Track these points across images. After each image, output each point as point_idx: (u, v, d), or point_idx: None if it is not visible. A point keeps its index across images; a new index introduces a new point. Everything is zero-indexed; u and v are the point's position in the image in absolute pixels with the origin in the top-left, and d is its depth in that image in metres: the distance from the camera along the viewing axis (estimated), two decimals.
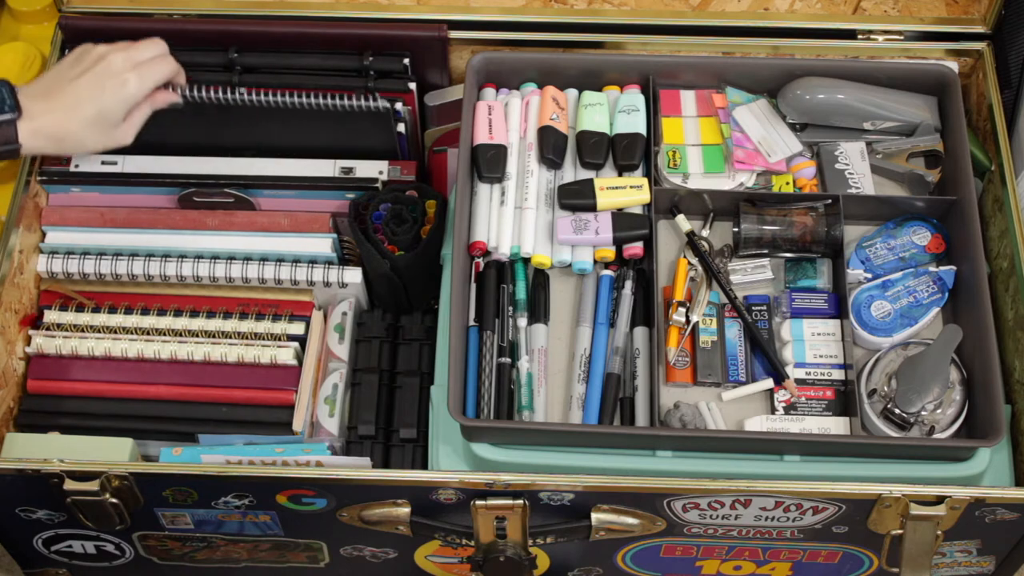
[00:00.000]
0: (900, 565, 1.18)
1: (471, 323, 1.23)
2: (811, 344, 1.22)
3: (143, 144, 1.31)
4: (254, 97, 1.29)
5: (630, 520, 1.18)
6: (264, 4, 1.39)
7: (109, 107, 1.19)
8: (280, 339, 1.28)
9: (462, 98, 1.30)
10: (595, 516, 1.18)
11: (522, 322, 1.23)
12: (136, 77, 1.20)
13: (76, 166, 1.32)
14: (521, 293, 1.25)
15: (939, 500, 1.13)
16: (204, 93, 1.28)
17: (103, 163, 1.32)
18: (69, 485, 1.15)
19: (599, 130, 1.29)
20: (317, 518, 1.21)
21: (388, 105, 1.29)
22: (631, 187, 1.26)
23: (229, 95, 1.28)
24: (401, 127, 1.32)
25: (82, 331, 1.29)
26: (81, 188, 1.33)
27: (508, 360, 1.21)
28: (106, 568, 1.33)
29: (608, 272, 1.26)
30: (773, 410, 1.20)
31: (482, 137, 1.28)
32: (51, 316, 1.29)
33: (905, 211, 1.28)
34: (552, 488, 1.14)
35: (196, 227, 1.31)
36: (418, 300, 1.33)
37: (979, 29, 1.37)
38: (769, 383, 1.21)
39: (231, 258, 1.30)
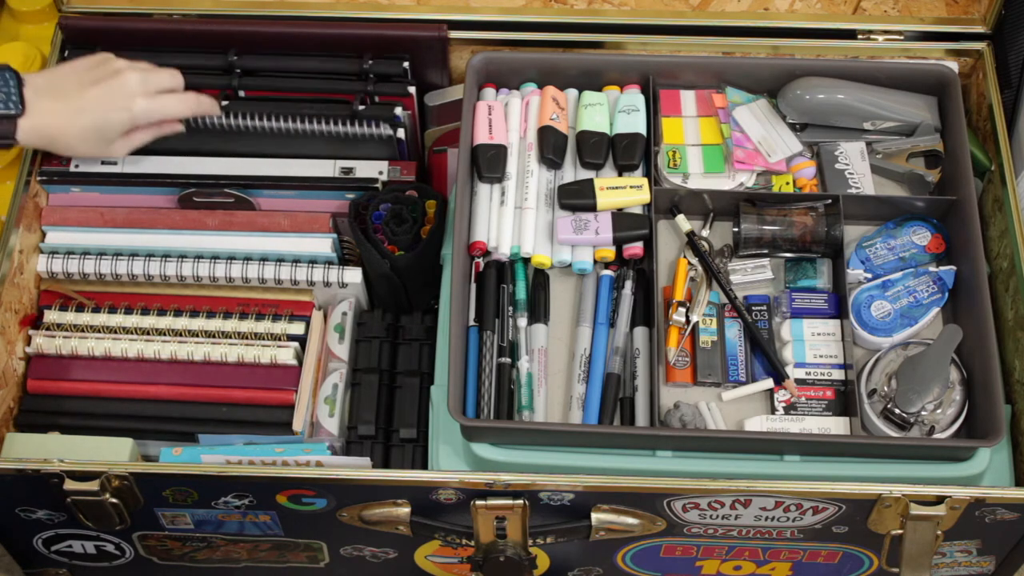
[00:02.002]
0: (900, 565, 1.18)
1: (471, 323, 1.23)
2: (811, 344, 1.22)
3: (143, 148, 1.32)
4: (256, 123, 1.29)
5: (630, 520, 1.18)
6: (264, 4, 1.39)
7: (110, 123, 1.20)
8: (280, 339, 1.28)
9: (462, 98, 1.30)
10: (595, 516, 1.18)
11: (522, 322, 1.23)
12: (145, 103, 1.21)
13: (76, 166, 1.32)
14: (521, 293, 1.24)
15: (939, 500, 1.13)
16: (207, 121, 1.29)
17: (103, 163, 1.32)
18: (69, 485, 1.15)
19: (599, 130, 1.29)
20: (317, 518, 1.21)
21: (391, 133, 1.30)
22: (631, 187, 1.26)
23: (232, 121, 1.29)
24: (400, 131, 1.32)
25: (82, 331, 1.29)
26: (81, 188, 1.33)
27: (508, 360, 1.21)
28: (106, 568, 1.33)
29: (608, 272, 1.26)
30: (773, 410, 1.20)
31: (482, 137, 1.28)
32: (51, 316, 1.29)
33: (905, 211, 1.28)
34: (552, 488, 1.14)
35: (196, 227, 1.31)
36: (418, 300, 1.33)
37: (979, 29, 1.37)
38: (769, 383, 1.21)
39: (231, 258, 1.30)
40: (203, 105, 1.27)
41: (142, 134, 1.24)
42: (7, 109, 1.14)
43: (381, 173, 1.31)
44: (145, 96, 1.21)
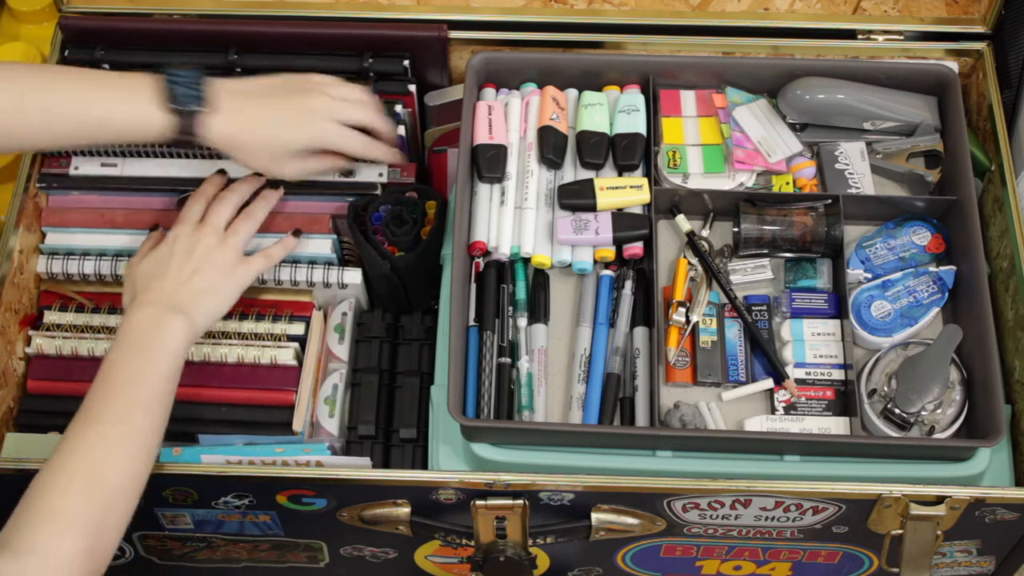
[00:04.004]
0: (900, 565, 1.18)
1: (471, 323, 1.23)
2: (811, 344, 1.22)
3: (148, 151, 1.32)
4: None
5: (630, 520, 1.18)
6: (264, 4, 1.39)
7: (292, 140, 1.18)
8: (280, 339, 1.28)
9: (462, 98, 1.30)
10: (595, 516, 1.18)
11: (522, 322, 1.23)
12: (334, 129, 1.19)
13: (76, 168, 1.31)
14: (521, 293, 1.24)
15: (939, 500, 1.13)
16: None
17: (102, 165, 1.32)
18: None
19: (599, 130, 1.29)
20: (317, 518, 1.21)
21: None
22: (631, 187, 1.26)
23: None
24: (401, 129, 1.32)
25: (82, 331, 1.28)
26: (80, 192, 1.32)
27: (508, 360, 1.21)
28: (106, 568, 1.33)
29: (608, 272, 1.26)
30: (773, 410, 1.20)
31: (482, 137, 1.28)
32: (51, 316, 1.29)
33: (905, 211, 1.28)
34: (552, 488, 1.14)
35: None
36: (418, 300, 1.32)
37: (979, 29, 1.37)
38: (769, 383, 1.21)
39: None
40: (383, 154, 1.25)
41: (318, 163, 1.22)
42: (198, 106, 1.13)
43: (380, 176, 1.31)
44: (333, 122, 1.19)
